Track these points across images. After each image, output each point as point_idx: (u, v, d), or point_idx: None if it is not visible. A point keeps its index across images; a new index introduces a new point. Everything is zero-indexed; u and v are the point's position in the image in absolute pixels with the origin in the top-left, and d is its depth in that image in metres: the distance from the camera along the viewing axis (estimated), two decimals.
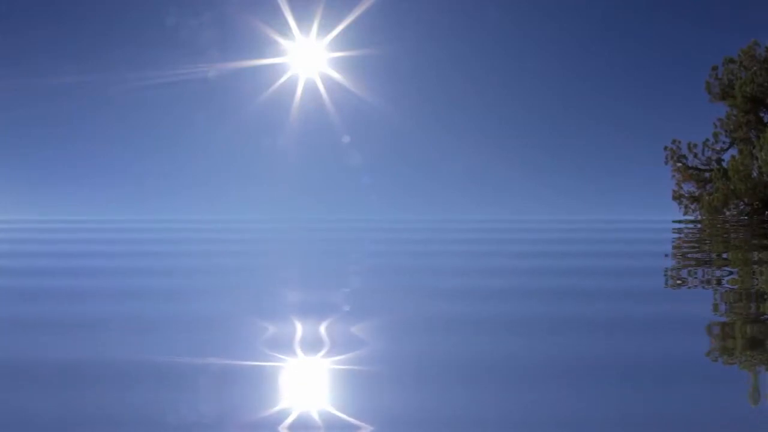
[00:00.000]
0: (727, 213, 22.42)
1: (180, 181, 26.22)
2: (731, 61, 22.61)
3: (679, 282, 6.48)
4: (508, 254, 10.05)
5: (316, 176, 25.67)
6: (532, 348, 3.60)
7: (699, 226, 20.12)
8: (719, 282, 6.40)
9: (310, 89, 20.38)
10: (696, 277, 6.88)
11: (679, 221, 22.15)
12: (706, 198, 22.41)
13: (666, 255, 10.43)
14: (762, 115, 22.64)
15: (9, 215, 25.07)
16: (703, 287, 6.08)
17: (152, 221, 21.88)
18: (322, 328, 4.05)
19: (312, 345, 3.65)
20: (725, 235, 14.92)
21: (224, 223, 21.58)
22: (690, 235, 15.19)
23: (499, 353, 3.46)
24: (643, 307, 4.93)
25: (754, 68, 22.18)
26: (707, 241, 12.95)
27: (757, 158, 21.49)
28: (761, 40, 22.38)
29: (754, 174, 21.61)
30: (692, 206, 23.06)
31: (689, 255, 9.87)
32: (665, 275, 7.19)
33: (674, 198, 23.30)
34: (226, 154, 26.44)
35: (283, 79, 20.24)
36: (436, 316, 4.53)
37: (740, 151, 22.24)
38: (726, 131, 22.90)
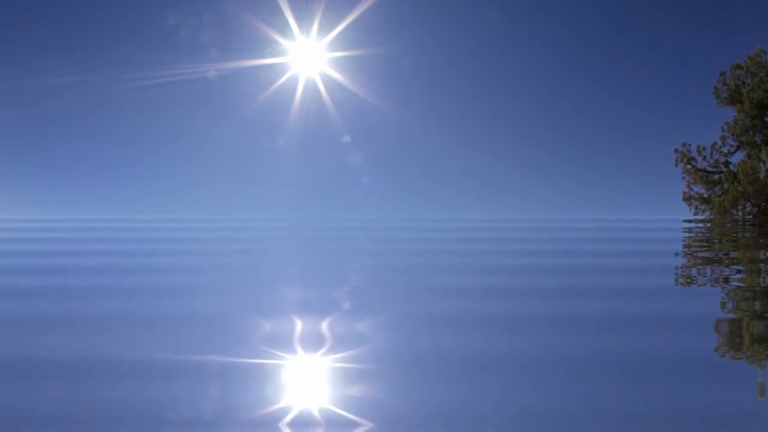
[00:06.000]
0: (735, 213, 22.53)
1: (180, 181, 26.22)
2: (738, 67, 23.13)
3: (688, 280, 6.46)
4: (511, 253, 9.99)
5: (316, 176, 25.63)
6: (537, 345, 3.57)
7: (708, 225, 20.15)
8: (727, 280, 6.38)
9: (311, 89, 20.35)
10: (705, 275, 6.86)
11: (689, 221, 22.23)
12: (716, 200, 22.55)
13: (676, 253, 10.40)
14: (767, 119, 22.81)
15: (9, 215, 25.13)
16: (712, 285, 6.05)
17: (152, 221, 21.89)
18: (323, 326, 4.03)
19: (312, 342, 3.63)
20: (734, 234, 14.90)
21: (224, 222, 21.58)
22: (699, 234, 15.16)
23: (501, 351, 3.43)
24: (652, 304, 4.93)
25: (761, 74, 22.50)
26: (716, 240, 12.92)
27: (764, 161, 21.68)
28: (763, 42, 22.68)
29: (761, 176, 21.75)
30: (702, 207, 23.21)
31: (699, 254, 9.83)
32: (675, 273, 7.17)
33: (685, 199, 23.53)
34: (226, 154, 26.46)
35: (283, 79, 20.21)
36: (437, 314, 4.50)
37: (747, 155, 22.40)
38: (733, 135, 23.10)
